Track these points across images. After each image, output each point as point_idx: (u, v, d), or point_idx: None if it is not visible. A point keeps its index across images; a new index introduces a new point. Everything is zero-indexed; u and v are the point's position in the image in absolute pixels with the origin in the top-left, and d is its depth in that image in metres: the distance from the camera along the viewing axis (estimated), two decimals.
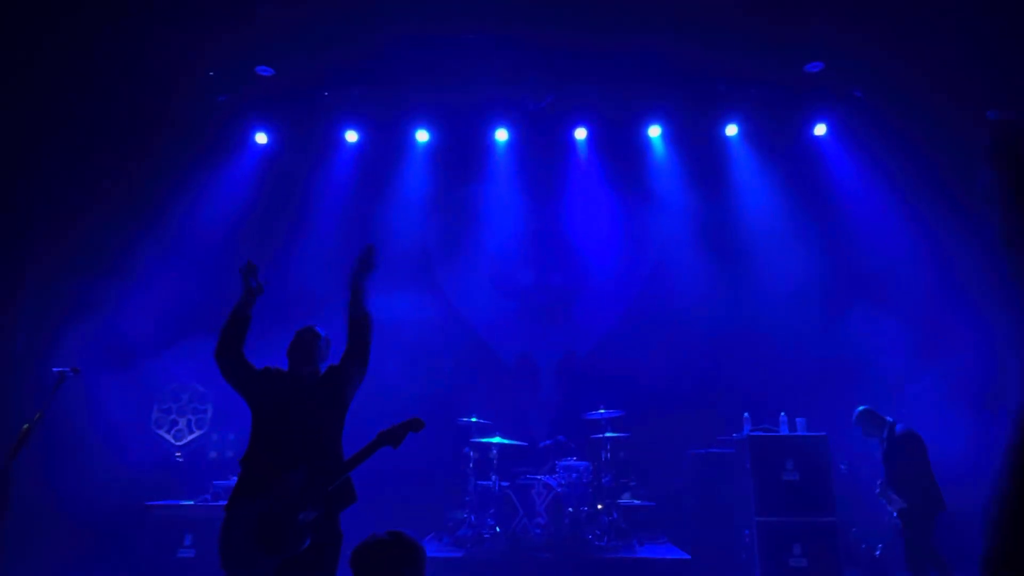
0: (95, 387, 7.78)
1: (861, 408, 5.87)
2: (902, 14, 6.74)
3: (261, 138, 8.92)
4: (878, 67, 7.57)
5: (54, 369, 3.97)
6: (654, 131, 8.96)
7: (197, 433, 8.39)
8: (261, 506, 3.27)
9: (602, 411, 7.22)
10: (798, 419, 6.59)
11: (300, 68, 7.90)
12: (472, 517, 6.91)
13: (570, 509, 6.60)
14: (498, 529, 6.55)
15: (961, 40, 6.90)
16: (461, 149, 9.13)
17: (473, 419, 7.25)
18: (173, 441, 8.34)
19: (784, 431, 6.55)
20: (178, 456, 8.10)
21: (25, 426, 3.72)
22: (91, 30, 7.00)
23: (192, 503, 6.57)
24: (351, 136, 8.95)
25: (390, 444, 3.37)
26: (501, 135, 9.01)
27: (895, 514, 5.56)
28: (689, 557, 6.32)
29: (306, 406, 3.59)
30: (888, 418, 5.76)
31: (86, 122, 8.19)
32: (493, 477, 6.93)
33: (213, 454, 8.04)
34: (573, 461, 7.16)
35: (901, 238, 8.29)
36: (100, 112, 8.07)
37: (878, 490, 5.84)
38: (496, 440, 7.14)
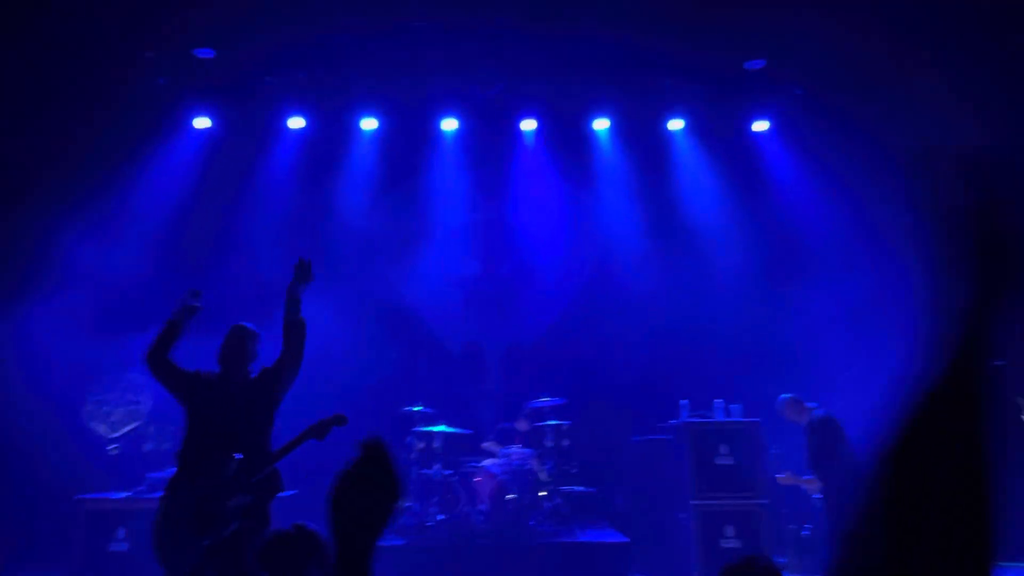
0: (25, 380, 7.53)
1: (783, 397, 6.10)
2: (841, 12, 6.95)
3: (202, 123, 8.67)
4: (818, 65, 7.80)
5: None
6: (601, 124, 9.06)
7: (133, 424, 8.18)
8: (195, 492, 3.55)
9: (546, 399, 7.31)
10: (734, 405, 6.80)
11: (242, 52, 7.72)
12: (415, 506, 6.92)
13: (512, 496, 6.67)
14: (440, 517, 6.59)
15: (898, 39, 7.16)
16: (409, 138, 9.07)
17: (417, 408, 7.26)
18: (108, 433, 8.12)
19: (720, 417, 6.75)
20: (113, 448, 7.89)
21: None
22: (17, 10, 6.71)
23: (126, 495, 6.42)
24: (296, 123, 8.79)
25: (316, 437, 3.69)
26: (449, 124, 8.98)
27: (817, 496, 5.80)
28: (628, 540, 6.47)
29: (237, 407, 3.89)
30: (809, 405, 5.99)
31: (11, 104, 7.85)
32: (436, 466, 6.95)
33: (150, 446, 7.85)
34: (516, 448, 7.23)
35: (837, 231, 8.60)
36: (27, 91, 7.74)
37: (781, 475, 6.09)
38: (440, 429, 7.16)
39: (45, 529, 6.67)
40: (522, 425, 7.89)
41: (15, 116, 7.87)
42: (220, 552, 3.35)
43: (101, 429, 8.14)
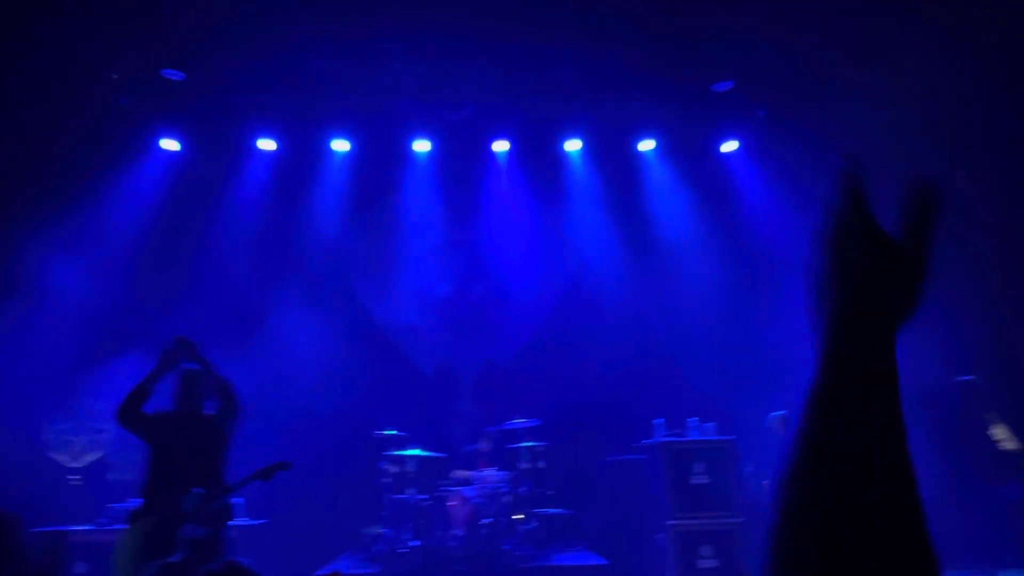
0: None
1: (776, 415, 6.14)
2: (807, 34, 7.12)
3: (170, 144, 8.56)
4: (782, 85, 7.97)
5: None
6: (573, 145, 9.13)
7: (96, 455, 7.93)
8: (154, 521, 3.93)
9: (520, 420, 7.25)
10: (708, 424, 6.80)
11: (211, 73, 7.65)
12: (388, 532, 6.79)
13: (487, 520, 6.57)
14: (414, 543, 6.46)
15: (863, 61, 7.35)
16: (380, 160, 9.04)
17: (390, 431, 7.15)
18: (69, 463, 7.86)
19: (694, 436, 6.74)
20: (74, 479, 7.64)
21: None
22: None
23: (88, 528, 6.20)
24: (266, 144, 8.72)
25: (263, 479, 3.99)
26: (422, 146, 8.98)
27: None
28: (606, 562, 6.40)
29: (194, 443, 4.27)
30: None
31: None
32: (409, 490, 6.83)
33: (113, 476, 7.61)
34: (491, 472, 7.14)
35: (807, 247, 8.72)
36: None
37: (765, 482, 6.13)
38: (413, 452, 7.06)
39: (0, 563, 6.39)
40: (484, 446, 7.80)
41: None
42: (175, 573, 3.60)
43: (62, 459, 7.87)
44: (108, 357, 7.84)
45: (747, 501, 6.51)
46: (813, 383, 0.70)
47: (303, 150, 8.85)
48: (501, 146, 9.10)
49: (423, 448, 7.23)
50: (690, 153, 9.16)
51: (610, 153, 9.18)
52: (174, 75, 7.61)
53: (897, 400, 0.69)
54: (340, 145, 8.82)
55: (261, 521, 6.63)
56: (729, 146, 9.09)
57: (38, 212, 7.82)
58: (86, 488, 7.47)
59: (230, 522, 4.11)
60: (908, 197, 0.74)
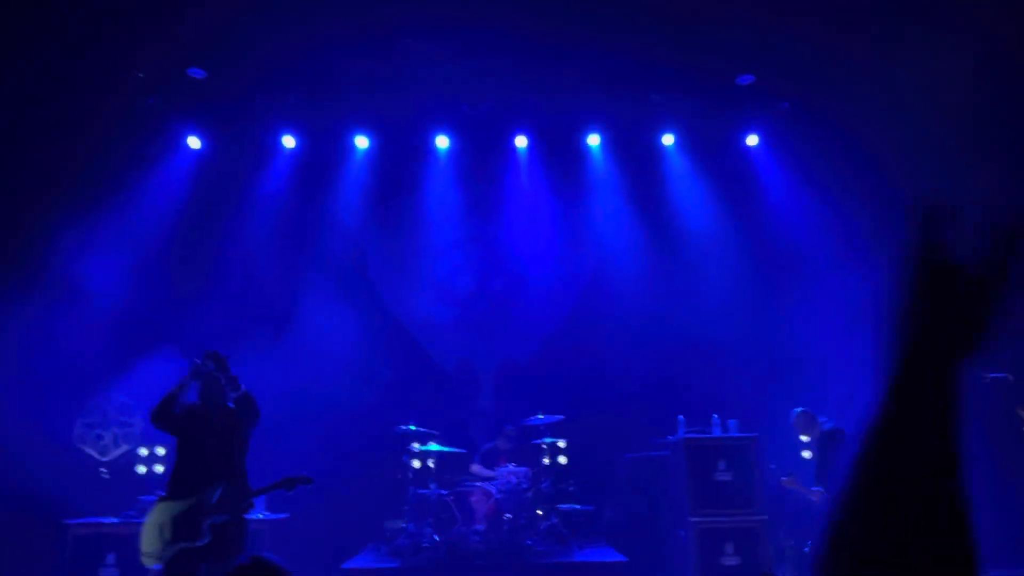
0: (13, 400, 7.42)
1: (797, 410, 6.07)
2: (828, 27, 7.02)
3: (194, 142, 8.68)
4: (806, 80, 7.87)
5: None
6: (593, 139, 9.09)
7: (124, 448, 8.07)
8: (183, 507, 4.19)
9: (541, 417, 7.25)
10: (731, 421, 6.74)
11: (233, 71, 7.73)
12: (410, 526, 6.83)
13: (509, 516, 6.59)
14: (436, 538, 6.49)
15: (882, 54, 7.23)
16: (401, 155, 9.07)
17: (412, 427, 7.19)
18: (98, 456, 8.01)
19: (717, 433, 6.69)
20: (103, 472, 7.78)
21: None
22: (10, 29, 6.71)
23: (117, 520, 6.31)
24: (288, 141, 8.80)
25: (285, 489, 4.21)
26: (442, 141, 9.00)
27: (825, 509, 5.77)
28: (626, 559, 6.39)
29: (220, 438, 4.49)
30: (821, 418, 6.00)
31: (6, 128, 7.82)
32: (432, 485, 6.87)
33: (142, 469, 7.74)
34: (512, 467, 7.16)
35: (830, 241, 8.61)
36: (22, 115, 7.71)
37: (785, 478, 6.08)
38: (435, 448, 7.09)
39: (32, 555, 6.53)
40: (503, 444, 7.81)
41: (10, 140, 7.84)
42: (197, 556, 4.07)
43: (92, 452, 8.03)
44: (137, 352, 7.97)
45: (771, 498, 6.46)
46: (877, 411, 0.72)
47: (325, 147, 8.91)
48: (521, 141, 9.09)
49: (445, 444, 7.26)
50: (712, 146, 9.08)
51: (631, 147, 9.12)
52: (198, 73, 7.71)
53: (958, 434, 0.69)
54: (361, 141, 8.87)
55: (284, 515, 6.70)
56: (751, 140, 8.99)
57: (69, 210, 7.97)
58: (115, 481, 7.61)
59: (249, 513, 4.42)
60: (988, 232, 0.75)
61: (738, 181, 9.09)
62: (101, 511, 6.52)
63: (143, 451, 7.75)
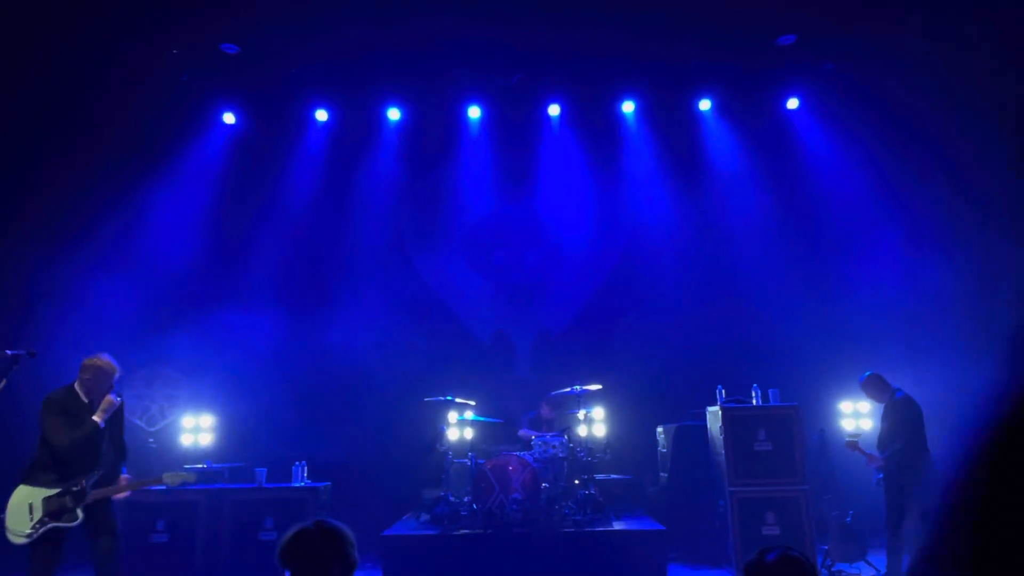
0: (62, 372, 7.65)
1: (868, 373, 5.91)
2: None
3: (229, 118, 8.75)
4: (849, 38, 7.57)
5: (7, 352, 3.88)
6: (627, 107, 8.92)
7: (169, 419, 8.30)
8: (56, 489, 4.33)
9: (577, 387, 7.23)
10: (771, 390, 6.63)
11: (266, 46, 7.73)
12: (449, 495, 6.91)
13: (546, 485, 6.61)
14: (475, 506, 6.56)
15: (931, 11, 6.91)
16: (433, 127, 9.03)
17: (448, 398, 7.23)
18: (146, 427, 8.25)
19: (757, 402, 6.60)
20: (151, 442, 8.01)
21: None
22: (46, 10, 6.79)
23: (164, 488, 6.49)
24: (321, 115, 8.82)
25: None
26: (474, 112, 8.92)
27: (879, 476, 5.66)
28: (664, 528, 6.38)
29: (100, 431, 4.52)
30: (894, 386, 5.83)
31: (48, 106, 7.96)
32: (469, 455, 6.93)
33: (187, 438, 7.95)
34: (549, 437, 7.17)
35: (873, 209, 8.37)
36: (60, 94, 7.84)
37: (849, 438, 5.99)
38: (472, 418, 7.14)
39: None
40: (545, 412, 7.86)
41: (52, 117, 7.99)
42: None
43: (139, 423, 8.27)
44: (178, 324, 8.14)
45: (812, 468, 6.36)
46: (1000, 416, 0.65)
47: (357, 120, 8.91)
48: (554, 111, 8.96)
49: (482, 414, 7.31)
50: (751, 111, 8.83)
51: (667, 113, 8.93)
52: (231, 49, 7.73)
53: None
54: (393, 114, 8.84)
55: (325, 484, 6.83)
56: (791, 103, 8.72)
57: (110, 189, 8.12)
58: (162, 450, 7.83)
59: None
60: None
61: (778, 147, 8.85)
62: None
63: (188, 421, 7.94)
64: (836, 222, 8.53)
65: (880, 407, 5.95)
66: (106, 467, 4.48)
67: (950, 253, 7.60)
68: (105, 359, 4.52)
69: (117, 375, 4.58)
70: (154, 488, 6.50)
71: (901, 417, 5.61)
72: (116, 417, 4.62)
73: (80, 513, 4.28)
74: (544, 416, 7.90)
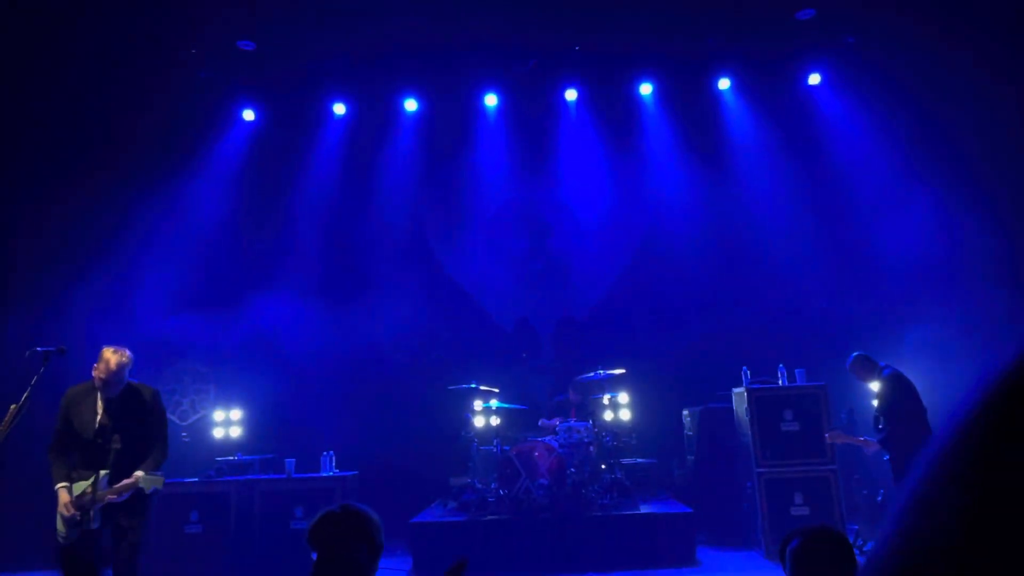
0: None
1: (855, 354, 5.81)
2: None
3: (248, 115, 8.83)
4: (870, 9, 7.41)
5: (38, 349, 3.95)
6: (645, 89, 8.83)
7: (200, 413, 8.45)
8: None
9: (601, 372, 7.22)
10: (797, 370, 6.56)
11: (281, 42, 7.78)
12: (476, 482, 6.96)
13: (572, 470, 6.63)
14: (502, 492, 6.60)
15: None
16: (451, 117, 9.02)
17: (473, 385, 7.27)
18: (178, 422, 8.41)
19: (783, 383, 6.53)
20: (184, 436, 8.17)
21: (12, 407, 3.72)
22: (64, 11, 6.90)
23: (197, 480, 6.63)
24: (339, 109, 8.86)
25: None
26: (490, 101, 8.89)
27: (886, 457, 5.55)
28: (691, 511, 6.36)
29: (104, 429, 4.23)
30: (880, 363, 5.71)
31: (69, 107, 8.10)
32: (495, 441, 6.96)
33: (218, 432, 8.09)
34: (574, 422, 7.18)
35: (901, 183, 8.19)
36: (83, 95, 7.97)
37: (828, 433, 5.90)
38: (497, 405, 7.17)
39: None
40: (573, 396, 7.86)
41: (73, 116, 8.13)
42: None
43: (172, 418, 8.43)
44: (207, 320, 8.28)
45: (841, 448, 6.29)
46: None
47: (374, 112, 8.93)
48: (571, 95, 8.90)
49: (506, 401, 7.33)
50: (771, 88, 8.68)
51: (686, 94, 8.82)
52: (247, 46, 7.79)
53: None
54: (410, 104, 8.85)
55: (352, 472, 6.91)
56: (813, 79, 8.56)
57: (133, 188, 8.26)
58: (194, 444, 7.99)
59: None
60: None
61: (800, 123, 8.70)
62: (183, 472, 6.85)
63: (218, 415, 8.08)
64: (861, 198, 8.38)
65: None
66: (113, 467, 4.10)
67: (983, 220, 7.43)
68: (108, 350, 4.20)
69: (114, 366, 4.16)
70: (187, 480, 6.65)
71: (887, 395, 5.46)
72: (133, 410, 4.26)
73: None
74: (572, 400, 7.90)
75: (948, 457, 0.48)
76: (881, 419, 5.51)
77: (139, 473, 4.10)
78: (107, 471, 4.05)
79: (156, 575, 6.26)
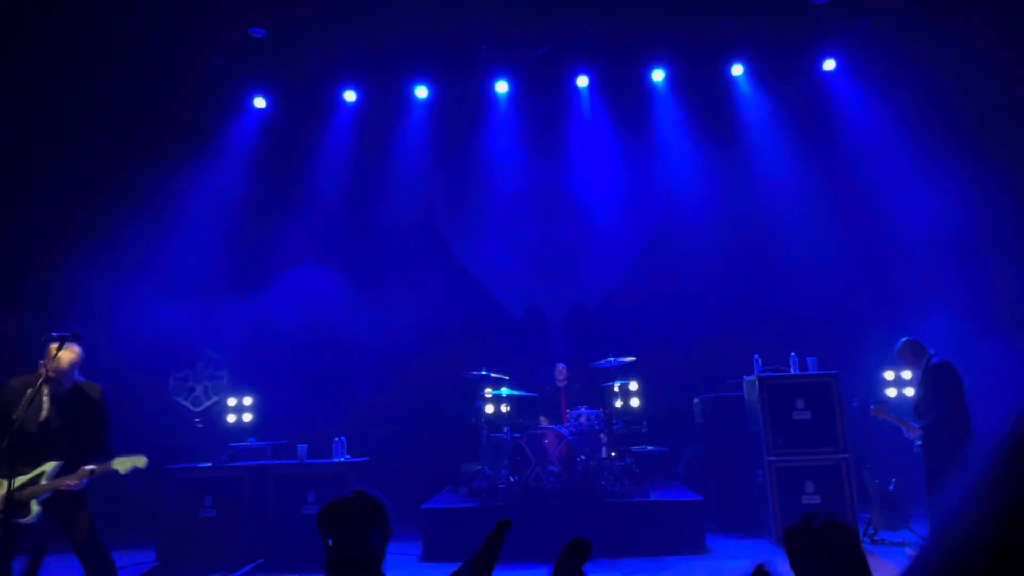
0: (112, 358, 7.90)
1: (904, 339, 5.71)
2: None
3: (260, 102, 8.83)
4: None
5: (53, 334, 3.98)
6: (657, 75, 8.75)
7: (214, 399, 8.53)
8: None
9: (611, 359, 7.21)
10: (809, 359, 6.52)
11: (292, 29, 7.76)
12: (486, 468, 7.00)
13: (582, 457, 6.64)
14: (512, 479, 6.62)
15: None
16: (461, 104, 8.99)
17: (484, 372, 7.29)
18: (191, 407, 8.50)
19: (795, 371, 6.50)
20: (197, 422, 8.26)
21: (28, 391, 3.77)
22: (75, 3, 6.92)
23: (210, 465, 6.70)
24: (350, 96, 8.84)
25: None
26: (501, 87, 8.84)
27: (918, 443, 5.48)
28: (701, 498, 6.37)
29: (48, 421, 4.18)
30: (930, 350, 5.62)
31: (81, 97, 8.13)
32: (505, 428, 6.98)
33: (231, 417, 8.17)
34: (584, 409, 7.18)
35: (912, 171, 8.10)
36: (94, 86, 8.00)
37: (874, 406, 5.77)
38: (507, 392, 7.19)
39: (137, 498, 7.02)
40: (579, 385, 7.83)
41: (86, 107, 8.17)
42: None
43: (186, 403, 8.53)
44: (219, 308, 8.33)
45: (853, 437, 6.26)
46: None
47: (385, 99, 8.90)
48: (582, 82, 8.83)
49: (517, 388, 7.34)
50: (785, 74, 8.58)
51: (698, 80, 8.73)
52: (258, 33, 7.78)
53: None
54: (421, 92, 8.82)
55: (364, 459, 6.95)
56: (827, 65, 8.44)
57: (145, 177, 8.29)
58: (207, 429, 8.07)
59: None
60: None
61: (814, 110, 8.60)
62: (197, 457, 6.93)
63: (231, 401, 8.15)
64: (876, 185, 8.28)
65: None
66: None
67: (999, 206, 7.34)
68: (56, 346, 4.04)
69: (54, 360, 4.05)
70: (201, 465, 6.72)
71: (933, 384, 5.40)
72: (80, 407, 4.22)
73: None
74: (559, 383, 7.87)
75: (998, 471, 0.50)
76: (922, 405, 5.45)
77: (115, 461, 4.19)
78: (59, 462, 4.05)
79: (170, 559, 6.36)
